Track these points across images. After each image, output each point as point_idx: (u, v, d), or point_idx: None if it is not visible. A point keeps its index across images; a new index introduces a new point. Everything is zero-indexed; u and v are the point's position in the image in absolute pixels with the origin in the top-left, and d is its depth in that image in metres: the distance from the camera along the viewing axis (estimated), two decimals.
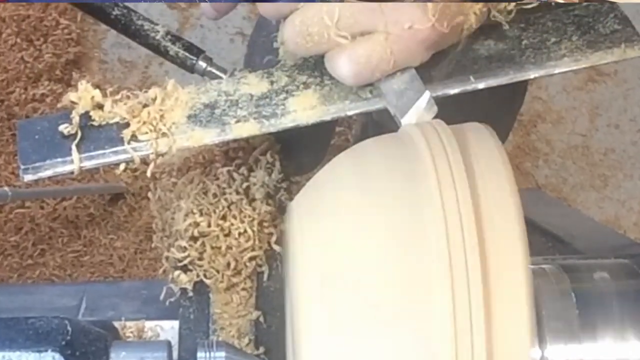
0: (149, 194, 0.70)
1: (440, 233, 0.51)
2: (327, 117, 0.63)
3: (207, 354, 0.57)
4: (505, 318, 0.50)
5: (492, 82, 0.64)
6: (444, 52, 0.63)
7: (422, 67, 0.63)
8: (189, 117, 0.63)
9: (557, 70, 0.65)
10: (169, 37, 0.71)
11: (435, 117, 0.60)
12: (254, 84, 0.65)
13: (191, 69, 0.71)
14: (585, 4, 0.67)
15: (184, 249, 0.65)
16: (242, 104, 0.64)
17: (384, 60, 0.59)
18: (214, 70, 0.70)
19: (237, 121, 0.63)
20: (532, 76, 0.65)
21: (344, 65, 0.59)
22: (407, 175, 0.54)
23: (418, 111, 0.61)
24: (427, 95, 0.61)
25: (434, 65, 0.63)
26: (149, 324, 0.75)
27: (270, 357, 0.66)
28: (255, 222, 0.65)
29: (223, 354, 0.57)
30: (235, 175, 0.67)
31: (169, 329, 0.74)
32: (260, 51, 1.15)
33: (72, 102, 0.62)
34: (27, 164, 0.61)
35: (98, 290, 0.82)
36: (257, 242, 0.65)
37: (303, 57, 0.64)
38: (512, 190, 0.53)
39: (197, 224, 0.65)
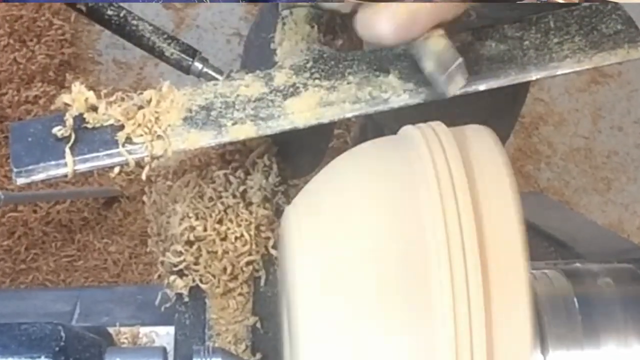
0: (144, 198, 0.70)
1: (440, 236, 0.50)
2: (326, 119, 0.63)
3: None
4: (506, 322, 0.49)
5: (494, 83, 0.64)
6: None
7: None
8: (185, 119, 0.62)
9: (559, 72, 0.65)
10: (164, 37, 0.70)
11: (435, 119, 0.60)
12: (251, 86, 0.64)
13: (187, 70, 0.71)
14: (588, 4, 0.66)
15: (180, 253, 0.65)
16: (239, 106, 0.63)
17: (423, 13, 0.56)
18: (210, 72, 0.69)
19: (234, 123, 0.62)
20: (534, 77, 0.65)
21: (384, 22, 0.56)
22: (406, 177, 0.54)
23: (460, 69, 0.59)
24: (461, 60, 0.59)
25: None
26: (144, 329, 0.75)
27: None
28: (252, 226, 0.65)
29: None
30: (231, 178, 0.67)
31: (164, 335, 0.74)
32: (258, 52, 1.15)
33: (66, 104, 0.62)
34: (20, 167, 0.61)
35: (92, 295, 0.82)
36: (254, 246, 0.65)
37: (306, 57, 0.64)
38: (513, 192, 0.52)
39: (193, 228, 0.65)
